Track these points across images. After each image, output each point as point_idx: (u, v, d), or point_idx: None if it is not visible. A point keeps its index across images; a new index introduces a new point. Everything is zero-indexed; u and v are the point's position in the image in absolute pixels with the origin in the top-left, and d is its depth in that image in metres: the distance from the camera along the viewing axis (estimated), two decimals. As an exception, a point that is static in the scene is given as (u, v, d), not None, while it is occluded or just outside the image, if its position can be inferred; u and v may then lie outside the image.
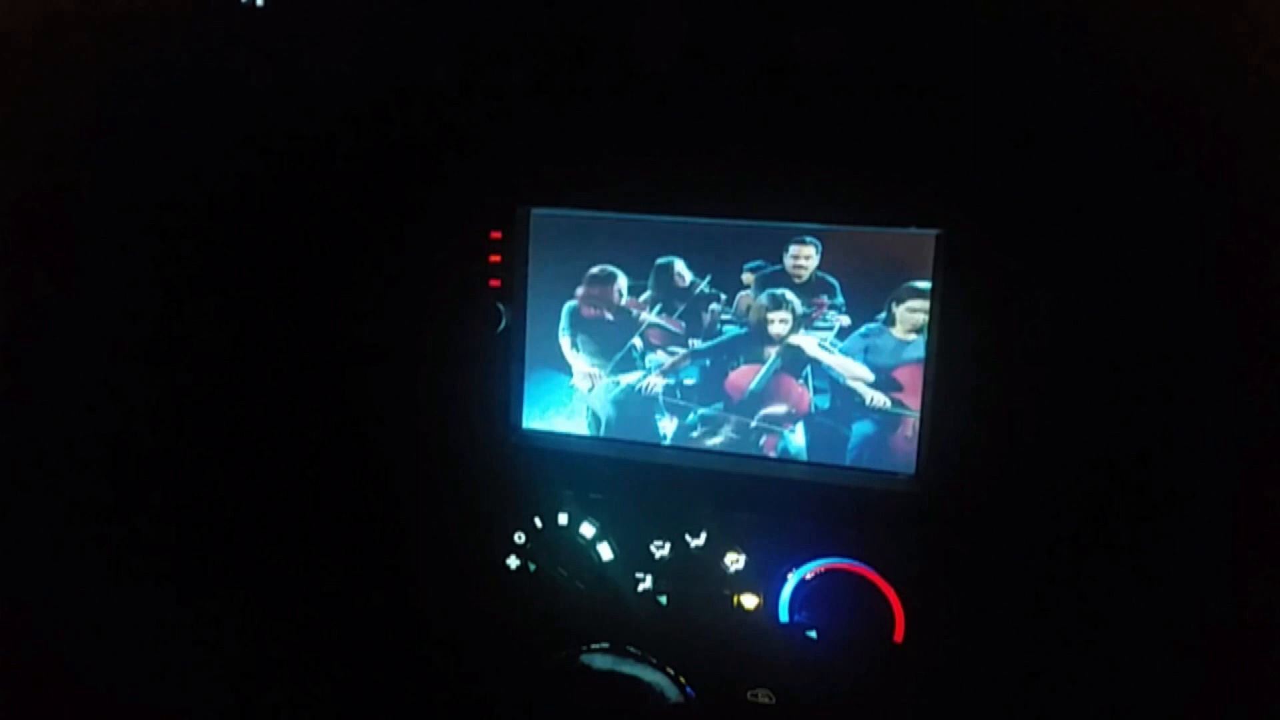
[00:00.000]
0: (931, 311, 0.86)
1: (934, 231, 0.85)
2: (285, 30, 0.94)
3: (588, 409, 0.97)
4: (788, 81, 0.84)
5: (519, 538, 0.97)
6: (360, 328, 0.99)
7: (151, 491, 0.96)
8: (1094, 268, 0.80)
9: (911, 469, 0.88)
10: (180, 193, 0.95)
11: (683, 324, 0.94)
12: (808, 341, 0.91)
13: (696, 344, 0.94)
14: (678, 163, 0.90)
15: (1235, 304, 0.76)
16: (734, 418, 0.94)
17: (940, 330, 0.85)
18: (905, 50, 0.82)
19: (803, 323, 0.91)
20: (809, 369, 0.91)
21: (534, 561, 0.96)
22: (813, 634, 0.89)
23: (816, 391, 0.91)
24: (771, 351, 0.92)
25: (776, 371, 0.92)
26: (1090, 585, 0.83)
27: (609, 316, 0.96)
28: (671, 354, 0.94)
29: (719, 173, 0.89)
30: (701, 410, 0.94)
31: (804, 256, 0.89)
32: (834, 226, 0.87)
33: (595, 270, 0.96)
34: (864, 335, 0.89)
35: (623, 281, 0.95)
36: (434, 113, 0.95)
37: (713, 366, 0.94)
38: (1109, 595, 0.83)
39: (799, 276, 0.90)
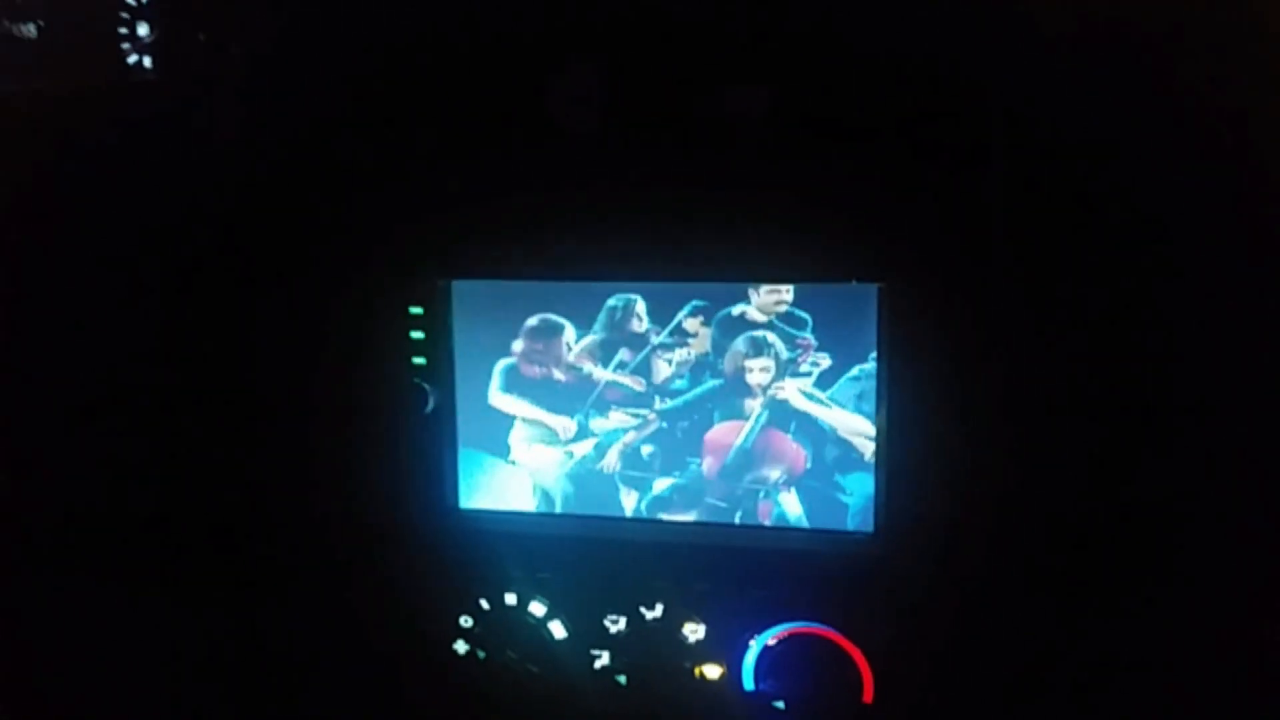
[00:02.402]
0: (880, 365, 0.83)
1: (876, 285, 0.82)
2: (184, 102, 0.90)
3: (535, 486, 0.92)
4: (719, 137, 0.81)
5: (465, 621, 0.93)
6: (282, 413, 0.93)
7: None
8: (1043, 317, 0.79)
9: (870, 527, 0.86)
10: (79, 283, 0.89)
11: (643, 381, 0.89)
12: (792, 391, 0.86)
13: (664, 403, 0.89)
14: (607, 225, 0.86)
15: (1187, 357, 0.76)
16: (714, 486, 0.89)
17: (889, 384, 0.83)
18: (840, 101, 0.79)
19: (786, 370, 0.86)
20: (794, 423, 0.87)
21: (482, 648, 0.92)
22: (780, 703, 0.87)
23: (804, 449, 0.87)
24: (754, 405, 0.87)
25: (764, 428, 0.88)
26: (1057, 637, 0.82)
27: (558, 375, 0.91)
28: (636, 416, 0.89)
29: (651, 234, 0.85)
30: (671, 480, 0.90)
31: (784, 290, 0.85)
32: (772, 284, 0.84)
33: (535, 321, 0.90)
34: (855, 380, 0.85)
35: (570, 333, 0.89)
36: (344, 186, 0.90)
37: (686, 428, 0.89)
38: (1075, 644, 0.82)
39: (773, 313, 0.85)
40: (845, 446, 0.86)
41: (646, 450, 0.90)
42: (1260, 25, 0.72)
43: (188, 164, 0.90)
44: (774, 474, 0.88)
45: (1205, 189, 0.75)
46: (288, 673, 0.95)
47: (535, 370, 0.91)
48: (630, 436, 0.90)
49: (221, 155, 0.91)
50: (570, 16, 0.82)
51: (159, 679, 0.93)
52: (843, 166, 0.80)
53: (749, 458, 0.88)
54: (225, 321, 0.93)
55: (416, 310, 0.89)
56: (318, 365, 0.92)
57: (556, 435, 0.91)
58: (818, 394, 0.86)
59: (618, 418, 0.90)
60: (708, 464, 0.89)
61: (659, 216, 0.84)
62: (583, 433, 0.91)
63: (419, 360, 0.90)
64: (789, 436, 0.87)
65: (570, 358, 0.90)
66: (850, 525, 0.86)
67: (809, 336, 0.85)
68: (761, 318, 0.86)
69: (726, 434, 0.89)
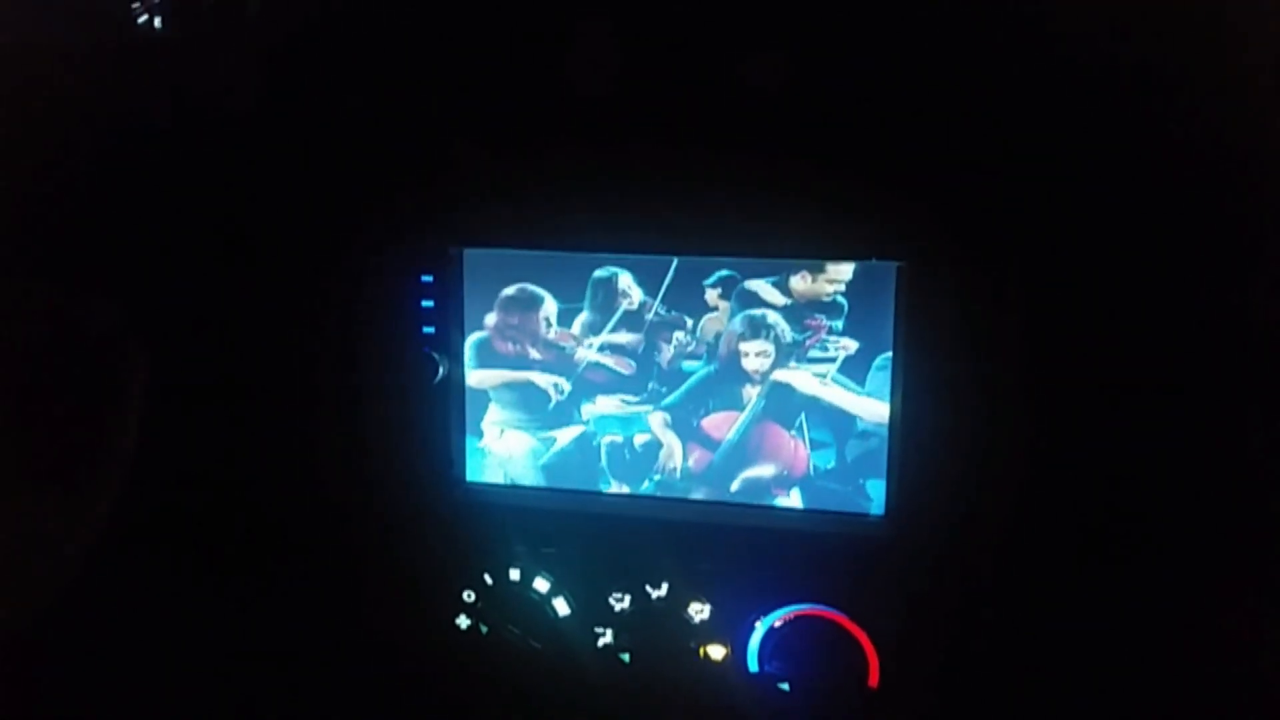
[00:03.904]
0: (895, 346, 0.82)
1: (895, 263, 0.81)
2: (196, 65, 0.88)
3: (505, 476, 0.91)
4: (739, 110, 0.79)
5: (468, 596, 0.91)
6: (290, 383, 0.92)
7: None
8: (1062, 300, 0.77)
9: (881, 510, 0.84)
10: (89, 242, 0.87)
11: (633, 364, 0.87)
12: (800, 378, 0.82)
13: (656, 389, 0.85)
14: (623, 196, 0.84)
15: (1202, 335, 0.74)
16: (703, 486, 0.87)
17: (905, 365, 0.81)
18: (860, 76, 0.77)
19: (791, 354, 0.82)
20: (799, 415, 0.83)
21: (485, 622, 0.91)
22: (785, 685, 0.86)
23: (815, 446, 0.84)
24: (752, 393, 0.84)
25: (758, 420, 0.84)
26: (1065, 621, 0.81)
27: (534, 354, 0.88)
28: (625, 403, 0.87)
29: (669, 206, 0.83)
30: (659, 478, 0.88)
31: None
32: (790, 260, 0.83)
33: (511, 292, 0.87)
34: (882, 369, 0.82)
35: (550, 307, 0.87)
36: (356, 151, 0.88)
37: (676, 420, 0.85)
38: (1084, 629, 0.80)
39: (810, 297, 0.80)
40: (870, 439, 0.83)
41: (641, 440, 0.87)
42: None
43: (196, 125, 0.89)
44: (767, 474, 0.85)
45: (1231, 175, 0.74)
46: (290, 646, 0.94)
47: (509, 347, 0.88)
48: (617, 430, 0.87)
49: (231, 118, 0.89)
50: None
51: (156, 650, 0.92)
52: (863, 140, 0.79)
53: (739, 455, 0.85)
54: (233, 290, 0.92)
55: (427, 278, 0.88)
56: (326, 335, 0.91)
57: (534, 421, 0.89)
58: (846, 381, 0.83)
59: (606, 404, 0.87)
60: (694, 461, 0.87)
61: (677, 189, 0.83)
62: (565, 419, 0.88)
63: (428, 329, 0.89)
64: (789, 432, 0.84)
65: (551, 334, 0.87)
66: (861, 508, 0.85)
67: (820, 317, 0.82)
68: (780, 300, 0.82)
69: (717, 427, 0.86)
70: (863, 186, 0.79)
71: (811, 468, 0.85)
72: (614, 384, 0.87)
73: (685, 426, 0.87)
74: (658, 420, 0.87)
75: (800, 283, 0.83)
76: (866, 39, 0.77)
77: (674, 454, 0.87)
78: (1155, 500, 0.78)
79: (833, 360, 0.83)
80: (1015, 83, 0.76)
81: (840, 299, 0.82)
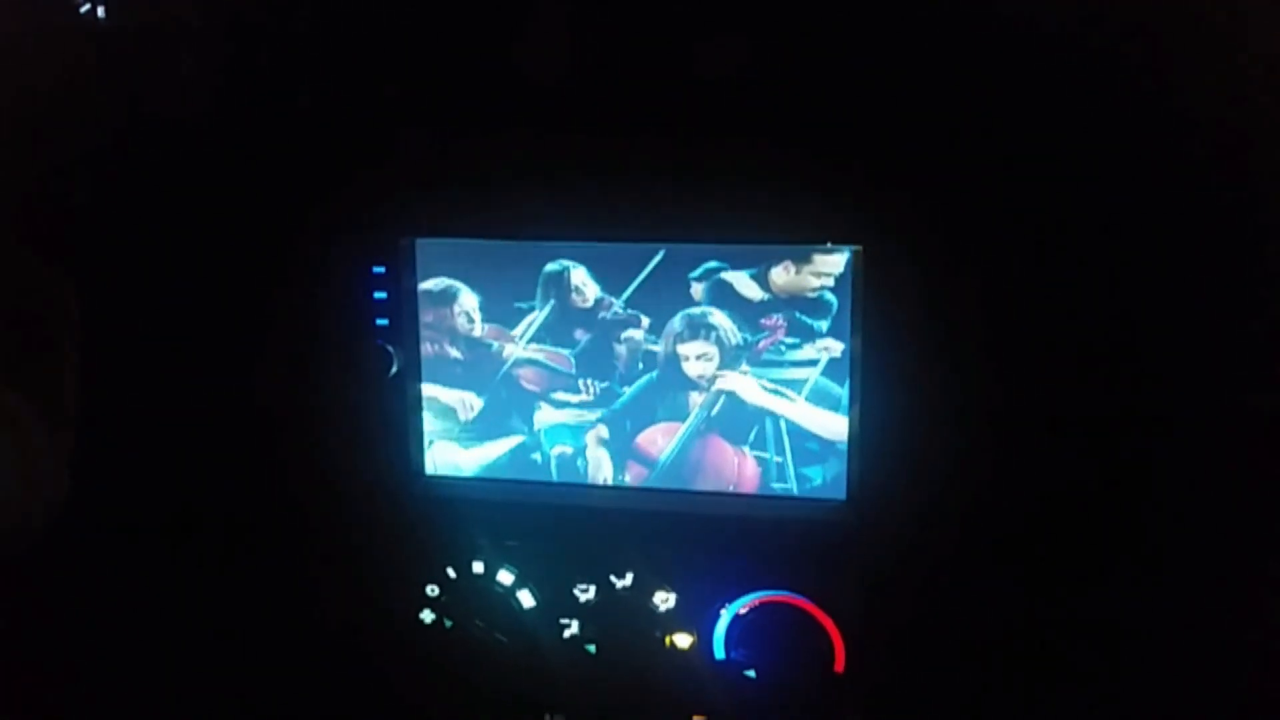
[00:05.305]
0: (852, 329, 0.81)
1: (851, 248, 0.80)
2: (140, 55, 0.85)
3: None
4: (690, 94, 0.78)
5: (432, 590, 0.91)
6: (246, 379, 0.90)
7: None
8: (1021, 283, 0.76)
9: (842, 495, 0.84)
10: (34, 235, 0.85)
11: (570, 358, 0.82)
12: (746, 385, 0.78)
13: (596, 387, 0.80)
14: (576, 182, 0.83)
15: (1167, 321, 0.74)
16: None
17: (862, 349, 0.81)
18: (816, 59, 0.76)
19: (740, 357, 0.77)
20: (759, 428, 0.79)
21: (449, 616, 0.90)
22: (751, 672, 0.85)
23: (767, 464, 0.79)
24: (695, 401, 0.79)
25: (698, 434, 0.80)
26: (1028, 605, 0.81)
27: (454, 354, 0.84)
28: (561, 406, 0.82)
29: (622, 191, 0.82)
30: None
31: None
32: (744, 244, 0.81)
33: (429, 285, 0.83)
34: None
35: (469, 300, 0.82)
36: (306, 141, 0.86)
37: (614, 428, 0.81)
38: (1046, 616, 0.81)
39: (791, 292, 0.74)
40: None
41: (566, 452, 0.84)
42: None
43: (139, 117, 0.87)
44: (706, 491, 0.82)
45: (1211, 173, 0.73)
46: (251, 642, 0.93)
47: (429, 349, 0.85)
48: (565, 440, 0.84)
49: (175, 109, 0.87)
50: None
51: (120, 650, 0.91)
52: (820, 122, 0.78)
53: (678, 473, 0.83)
54: (182, 284, 0.90)
55: (379, 269, 0.86)
56: (278, 328, 0.89)
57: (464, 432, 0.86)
58: (830, 387, 0.79)
59: (548, 413, 0.83)
60: (631, 478, 0.84)
61: (630, 175, 0.81)
62: (498, 430, 0.86)
63: (381, 321, 0.87)
64: (735, 446, 0.80)
65: (475, 332, 0.83)
66: (821, 493, 0.84)
67: (777, 316, 0.78)
68: (757, 294, 0.78)
69: (653, 441, 0.82)
70: (819, 168, 0.78)
71: (755, 491, 0.82)
72: (553, 390, 0.85)
73: (620, 440, 0.84)
74: (592, 434, 0.85)
75: (782, 275, 0.78)
76: (824, 21, 0.76)
77: (603, 469, 0.86)
78: (1118, 481, 0.78)
79: (813, 364, 0.79)
80: (981, 66, 0.75)
81: (829, 295, 0.79)
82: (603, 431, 0.85)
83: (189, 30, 0.87)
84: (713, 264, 0.80)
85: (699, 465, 0.83)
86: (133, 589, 0.92)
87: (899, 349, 0.79)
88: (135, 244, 0.88)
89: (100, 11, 0.88)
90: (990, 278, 0.78)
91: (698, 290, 0.79)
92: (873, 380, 0.80)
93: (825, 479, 0.83)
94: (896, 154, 0.77)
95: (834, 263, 0.78)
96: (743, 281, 0.79)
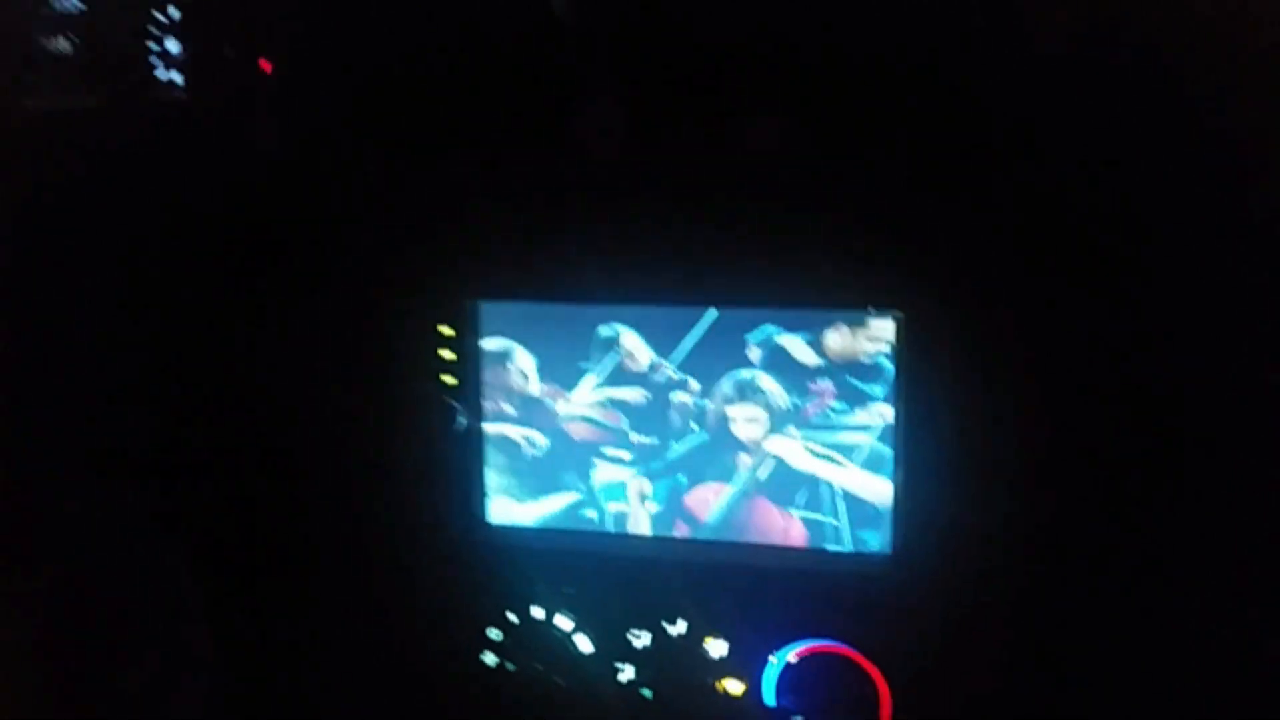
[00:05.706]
0: (897, 390, 0.84)
1: (894, 314, 0.83)
2: (214, 118, 0.91)
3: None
4: (743, 165, 0.82)
5: (493, 634, 0.95)
6: (316, 427, 0.95)
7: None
8: (1059, 346, 0.79)
9: (889, 549, 0.87)
10: (113, 309, 0.91)
11: (622, 416, 0.85)
12: (794, 448, 0.78)
13: (648, 445, 0.81)
14: (631, 248, 0.87)
15: (1212, 393, 0.76)
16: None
17: (906, 409, 0.84)
18: (857, 131, 0.80)
19: (788, 420, 0.78)
20: (812, 491, 0.79)
21: (511, 659, 0.94)
22: (799, 719, 0.88)
23: (819, 525, 0.79)
24: (745, 463, 0.79)
25: (745, 495, 0.80)
26: (1072, 660, 0.83)
27: (511, 410, 0.87)
28: (614, 463, 0.84)
29: (674, 257, 0.86)
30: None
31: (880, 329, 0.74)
32: (792, 309, 0.85)
33: (491, 346, 0.86)
34: None
35: (525, 360, 0.85)
36: (374, 202, 0.91)
37: (665, 486, 0.83)
38: (1091, 660, 0.83)
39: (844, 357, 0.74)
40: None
41: (645, 508, 0.86)
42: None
43: (218, 181, 0.92)
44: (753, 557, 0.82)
45: (1230, 211, 0.75)
46: (319, 685, 0.98)
47: (490, 406, 0.88)
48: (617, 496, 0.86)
49: (252, 172, 0.92)
50: (597, 47, 0.83)
51: (190, 690, 0.96)
52: (862, 193, 0.81)
53: (725, 532, 0.83)
54: (259, 338, 0.95)
55: (447, 330, 0.91)
56: (350, 383, 0.94)
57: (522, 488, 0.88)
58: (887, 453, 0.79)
59: (605, 470, 0.85)
60: (679, 535, 0.86)
61: (682, 241, 0.85)
62: (554, 485, 0.89)
63: (449, 380, 0.92)
64: (782, 508, 0.81)
65: (533, 389, 0.86)
66: (868, 547, 0.87)
67: (826, 381, 0.79)
68: (812, 359, 0.78)
69: (702, 500, 0.82)
70: (863, 239, 0.81)
71: (802, 553, 0.83)
72: (604, 444, 0.87)
73: (670, 498, 0.86)
74: (643, 490, 0.87)
75: (837, 340, 0.79)
76: (865, 97, 0.80)
77: (652, 526, 0.88)
78: (1159, 534, 0.80)
79: (866, 429, 0.79)
80: (1020, 134, 0.78)
81: (884, 361, 0.80)
82: (652, 488, 0.88)
83: (263, 94, 0.92)
84: (769, 327, 0.82)
85: (746, 525, 0.85)
86: (210, 630, 0.97)
87: (940, 410, 0.82)
88: (221, 308, 0.94)
89: (178, 78, 0.94)
90: (1030, 341, 0.80)
91: (754, 353, 0.81)
92: (915, 442, 0.83)
93: (882, 543, 0.85)
94: (937, 222, 0.80)
95: (887, 328, 0.79)
96: (797, 346, 0.81)
